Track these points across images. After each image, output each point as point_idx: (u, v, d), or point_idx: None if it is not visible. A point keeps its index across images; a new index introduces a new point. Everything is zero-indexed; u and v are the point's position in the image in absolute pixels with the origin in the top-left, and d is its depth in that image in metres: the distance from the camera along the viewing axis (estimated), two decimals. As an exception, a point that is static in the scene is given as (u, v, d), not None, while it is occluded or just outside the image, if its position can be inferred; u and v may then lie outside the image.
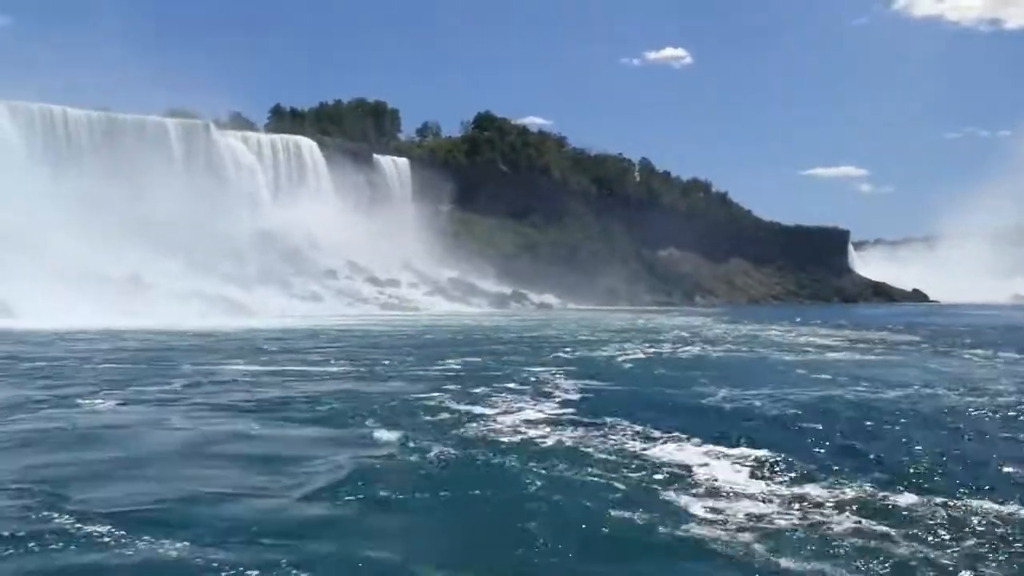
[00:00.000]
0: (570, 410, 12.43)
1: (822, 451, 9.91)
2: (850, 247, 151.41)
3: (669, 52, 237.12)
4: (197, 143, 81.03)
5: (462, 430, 10.71)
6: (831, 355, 24.98)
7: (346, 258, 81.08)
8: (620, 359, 21.94)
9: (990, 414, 13.30)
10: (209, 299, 56.76)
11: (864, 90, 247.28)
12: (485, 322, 47.94)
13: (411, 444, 9.73)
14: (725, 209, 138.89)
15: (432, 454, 9.27)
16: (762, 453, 9.28)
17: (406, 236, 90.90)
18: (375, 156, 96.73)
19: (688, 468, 8.74)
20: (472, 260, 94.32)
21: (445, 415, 11.95)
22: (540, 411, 12.24)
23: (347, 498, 7.71)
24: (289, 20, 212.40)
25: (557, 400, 13.36)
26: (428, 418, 11.71)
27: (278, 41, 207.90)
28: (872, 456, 9.66)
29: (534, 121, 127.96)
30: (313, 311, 61.40)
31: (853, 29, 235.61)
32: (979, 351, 26.73)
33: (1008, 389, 16.17)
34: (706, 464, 8.86)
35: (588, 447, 9.60)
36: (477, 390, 14.34)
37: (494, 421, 11.36)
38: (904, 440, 10.76)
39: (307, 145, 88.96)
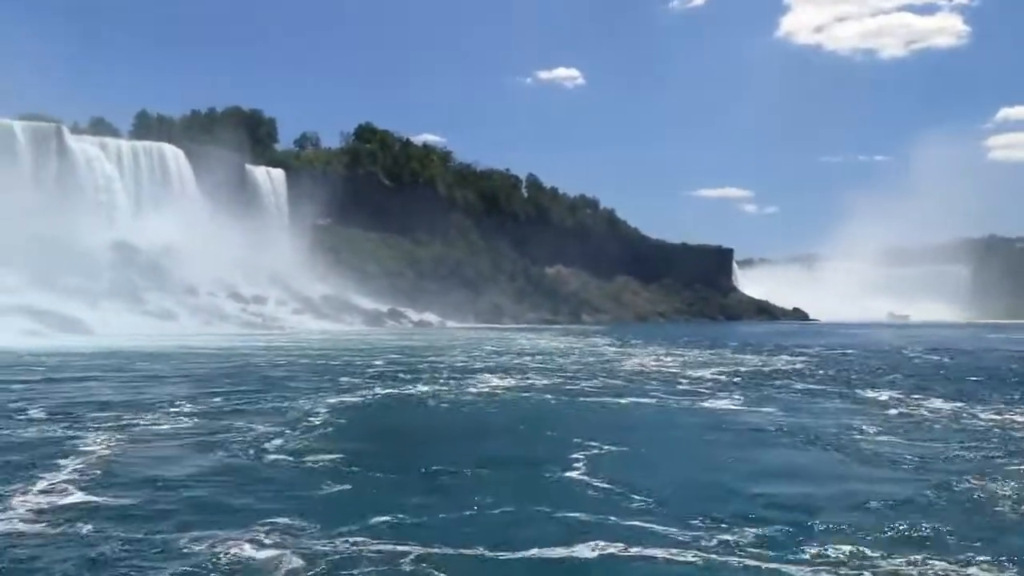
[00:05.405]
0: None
1: None
2: (734, 266, 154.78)
3: (562, 72, 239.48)
4: (48, 149, 75.60)
5: None
6: (691, 398, 19.23)
7: (211, 273, 76.83)
8: (345, 408, 16.31)
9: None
10: (40, 316, 52.29)
11: (748, 114, 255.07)
12: (335, 344, 45.40)
13: None
14: (612, 227, 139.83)
15: None
16: None
17: (278, 250, 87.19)
18: (247, 166, 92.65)
19: None
20: (350, 276, 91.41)
21: None
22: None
23: None
24: (173, 25, 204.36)
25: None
26: None
27: (156, 46, 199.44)
28: None
29: (427, 138, 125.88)
30: (164, 330, 57.41)
31: (738, 55, 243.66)
32: (887, 393, 20.43)
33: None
34: None
35: None
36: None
37: None
38: None
39: (172, 153, 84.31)
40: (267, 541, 7.28)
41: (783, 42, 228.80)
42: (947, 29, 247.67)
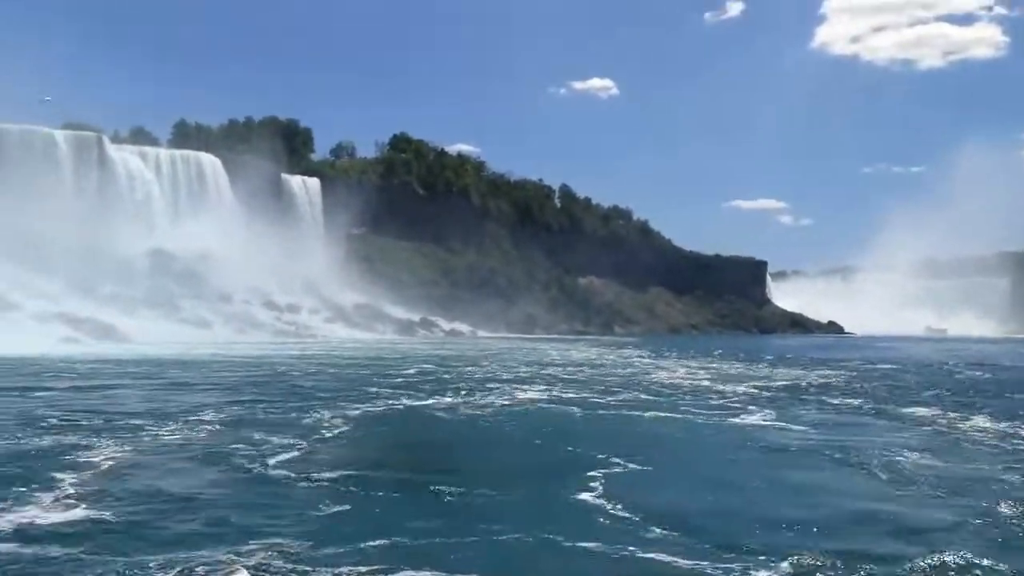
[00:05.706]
0: None
1: None
2: (768, 278, 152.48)
3: (596, 82, 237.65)
4: (89, 157, 76.62)
5: None
6: (721, 413, 18.21)
7: (246, 281, 77.21)
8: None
9: None
10: (78, 323, 52.92)
11: (783, 125, 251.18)
12: (366, 353, 45.34)
13: None
14: (646, 238, 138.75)
15: None
16: None
17: (313, 259, 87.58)
18: (283, 176, 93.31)
19: None
20: (384, 284, 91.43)
21: None
22: None
23: None
24: (219, 38, 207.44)
25: None
26: None
27: (198, 58, 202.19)
28: None
29: (461, 148, 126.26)
30: (199, 338, 57.77)
31: (773, 66, 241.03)
32: (927, 410, 19.29)
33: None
34: None
35: None
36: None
37: None
38: None
39: (209, 162, 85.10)
40: (250, 563, 6.87)
41: (819, 53, 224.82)
42: (986, 40, 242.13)
